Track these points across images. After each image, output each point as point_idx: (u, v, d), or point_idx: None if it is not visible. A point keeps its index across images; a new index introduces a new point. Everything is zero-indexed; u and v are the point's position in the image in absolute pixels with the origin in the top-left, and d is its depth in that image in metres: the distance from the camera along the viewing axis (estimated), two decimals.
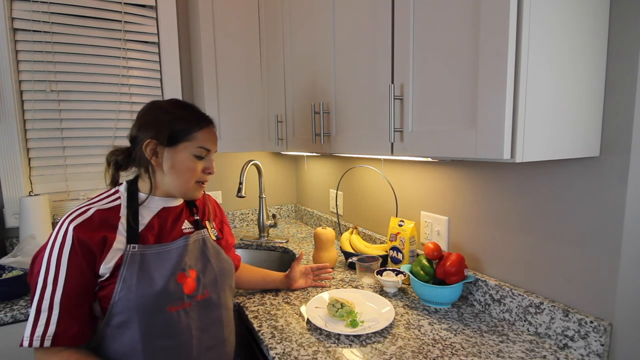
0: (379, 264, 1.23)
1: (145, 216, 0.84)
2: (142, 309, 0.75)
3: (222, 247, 0.96)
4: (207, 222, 0.96)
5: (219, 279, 0.89)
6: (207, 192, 1.06)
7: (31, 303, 0.72)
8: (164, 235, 0.84)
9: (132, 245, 0.78)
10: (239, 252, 1.66)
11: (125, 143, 0.87)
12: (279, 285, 1.18)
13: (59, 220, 0.76)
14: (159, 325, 0.77)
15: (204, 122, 0.86)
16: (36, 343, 0.69)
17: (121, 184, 0.87)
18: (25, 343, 0.69)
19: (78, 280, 0.73)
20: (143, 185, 0.85)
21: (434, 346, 0.85)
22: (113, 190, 0.85)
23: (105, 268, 0.75)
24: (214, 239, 0.95)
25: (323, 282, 1.21)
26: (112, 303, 0.74)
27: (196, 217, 0.93)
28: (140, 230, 0.81)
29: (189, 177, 0.85)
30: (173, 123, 0.82)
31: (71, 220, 0.74)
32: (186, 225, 0.89)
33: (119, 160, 0.85)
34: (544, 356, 0.81)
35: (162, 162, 0.83)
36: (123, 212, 0.81)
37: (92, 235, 0.74)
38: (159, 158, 0.82)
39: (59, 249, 0.72)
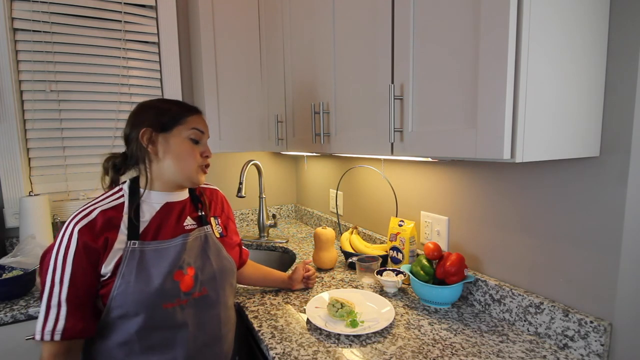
0: (379, 264, 1.23)
1: (147, 213, 0.85)
2: (138, 305, 0.77)
3: (226, 245, 0.95)
4: (212, 219, 0.97)
5: (218, 277, 0.90)
6: (215, 188, 1.05)
7: (41, 299, 0.76)
8: (165, 232, 0.85)
9: (132, 241, 0.80)
10: None
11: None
12: (280, 285, 1.18)
13: (65, 221, 0.80)
14: (155, 321, 0.79)
15: (192, 109, 0.90)
16: (47, 337, 0.74)
17: (125, 182, 0.88)
18: (37, 337, 0.74)
19: (82, 280, 0.76)
20: (143, 181, 0.87)
21: (434, 346, 0.85)
22: (117, 189, 0.87)
23: (106, 269, 0.78)
24: (218, 236, 0.95)
25: (312, 280, 1.20)
26: (110, 298, 0.77)
27: (200, 213, 0.93)
28: (141, 226, 0.83)
29: (187, 161, 0.86)
30: (164, 112, 0.86)
31: (76, 223, 0.77)
32: (188, 222, 0.90)
33: (117, 163, 0.88)
34: (544, 356, 0.81)
35: (158, 149, 0.84)
36: (126, 209, 0.83)
37: (94, 238, 0.77)
38: (156, 146, 0.84)
39: (64, 251, 0.76)
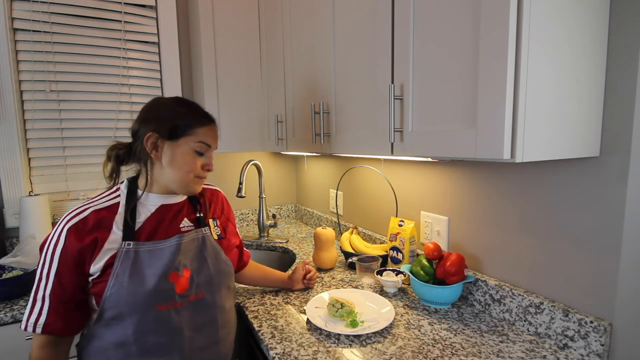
0: (379, 264, 1.23)
1: (143, 213, 0.85)
2: (132, 306, 0.77)
3: (224, 247, 0.94)
4: (210, 220, 0.96)
5: (215, 279, 0.89)
6: (216, 188, 1.05)
7: (32, 289, 0.78)
8: (160, 233, 0.85)
9: (127, 242, 0.80)
10: None
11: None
12: (280, 285, 1.18)
13: (60, 218, 0.80)
14: (149, 322, 0.79)
15: (205, 119, 0.87)
16: (30, 328, 0.76)
17: (123, 182, 0.88)
18: (22, 326, 0.76)
19: (66, 278, 0.77)
20: (142, 182, 0.86)
21: (434, 346, 0.85)
22: (115, 188, 0.87)
23: (95, 268, 0.77)
24: (216, 238, 0.94)
25: (313, 280, 1.20)
26: (103, 298, 0.77)
27: (198, 215, 0.92)
28: (136, 227, 0.82)
29: (187, 171, 0.85)
30: (175, 118, 0.83)
31: (68, 221, 0.78)
32: (185, 223, 0.89)
33: (121, 154, 0.87)
34: (544, 356, 0.81)
35: (161, 155, 0.83)
36: (121, 209, 0.83)
37: (83, 238, 0.77)
38: (159, 152, 0.83)
39: (53, 248, 0.77)
